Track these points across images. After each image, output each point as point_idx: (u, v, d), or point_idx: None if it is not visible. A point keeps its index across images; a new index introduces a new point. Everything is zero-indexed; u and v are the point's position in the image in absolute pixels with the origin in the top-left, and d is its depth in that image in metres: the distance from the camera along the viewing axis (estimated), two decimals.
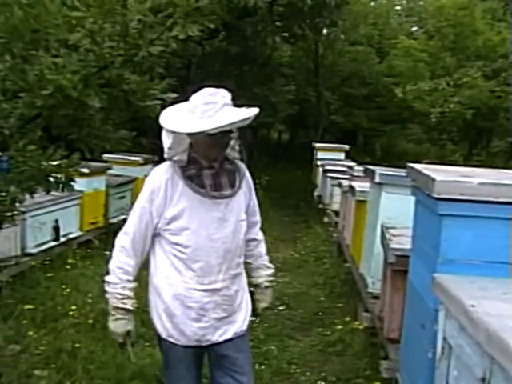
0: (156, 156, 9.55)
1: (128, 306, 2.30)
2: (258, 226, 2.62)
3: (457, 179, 2.28)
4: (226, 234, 2.35)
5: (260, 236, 2.64)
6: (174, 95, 3.49)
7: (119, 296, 2.29)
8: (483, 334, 1.65)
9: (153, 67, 3.43)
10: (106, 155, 7.75)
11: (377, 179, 4.15)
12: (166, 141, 2.27)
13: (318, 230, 8.51)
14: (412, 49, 16.04)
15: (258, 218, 2.59)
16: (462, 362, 1.89)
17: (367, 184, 4.82)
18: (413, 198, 2.83)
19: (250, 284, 2.60)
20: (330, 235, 7.86)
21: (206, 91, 2.23)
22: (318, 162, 11.46)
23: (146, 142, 13.63)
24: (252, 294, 2.60)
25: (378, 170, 4.24)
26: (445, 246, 2.26)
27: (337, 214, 7.75)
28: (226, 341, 2.40)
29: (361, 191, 5.04)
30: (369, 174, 4.52)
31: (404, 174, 3.01)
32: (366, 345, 4.15)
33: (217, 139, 2.23)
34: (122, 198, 7.83)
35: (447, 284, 2.04)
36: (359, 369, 3.88)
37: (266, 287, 2.62)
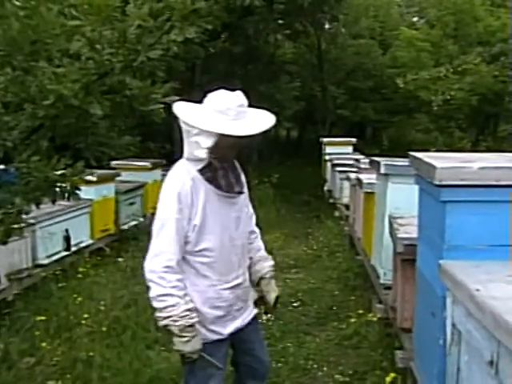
0: (164, 160, 9.62)
1: (194, 320, 2.25)
2: (254, 218, 2.67)
3: (457, 165, 2.28)
4: (241, 231, 2.44)
5: (256, 229, 2.68)
6: (177, 98, 3.50)
7: (186, 313, 2.21)
8: (489, 318, 1.65)
9: (154, 71, 3.45)
10: (113, 162, 7.85)
11: (382, 170, 4.15)
12: (205, 142, 2.21)
13: (330, 224, 8.50)
14: (414, 39, 16.02)
15: (251, 210, 2.64)
16: (471, 347, 1.90)
17: (374, 176, 4.82)
18: (418, 188, 2.83)
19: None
20: (341, 229, 7.86)
21: (228, 93, 2.25)
22: (327, 157, 11.47)
23: (154, 147, 13.72)
24: (259, 292, 2.62)
25: (383, 161, 4.24)
26: (449, 233, 2.26)
27: (347, 207, 7.74)
28: (247, 325, 2.50)
29: (368, 183, 5.04)
30: (374, 166, 4.52)
31: (408, 164, 3.01)
32: (381, 336, 4.15)
33: (242, 141, 2.27)
34: (132, 204, 7.88)
35: (453, 270, 2.04)
36: (375, 360, 3.88)
37: (271, 277, 2.63)
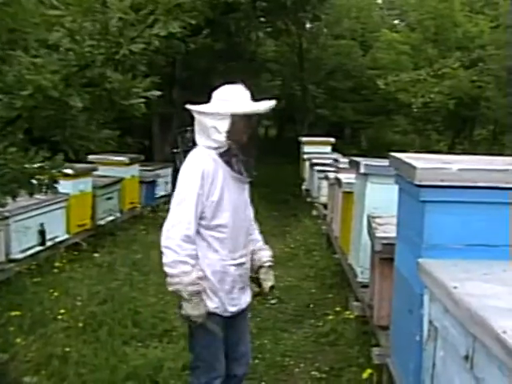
0: (142, 156, 9.53)
1: (201, 287, 2.46)
2: (252, 211, 2.86)
3: (437, 166, 2.31)
4: (248, 215, 2.73)
5: (254, 222, 2.88)
6: (158, 93, 3.49)
7: (197, 281, 2.43)
8: (465, 314, 1.68)
9: (135, 65, 3.41)
10: (91, 156, 7.73)
11: (362, 170, 4.19)
12: (222, 126, 2.47)
13: (307, 223, 8.54)
14: (395, 41, 16.15)
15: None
16: (447, 343, 1.93)
17: (353, 175, 4.85)
18: (397, 188, 2.86)
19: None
20: (318, 228, 7.90)
21: (230, 85, 2.57)
22: (305, 156, 11.49)
23: (132, 142, 13.59)
24: (256, 278, 2.76)
25: (363, 161, 4.28)
26: (428, 232, 2.30)
27: (325, 206, 7.79)
28: (244, 309, 2.71)
29: (347, 183, 5.08)
30: (354, 166, 4.56)
31: (388, 164, 3.04)
32: (358, 333, 4.19)
33: (252, 123, 2.56)
34: (109, 199, 7.79)
35: (431, 268, 2.07)
36: (352, 357, 3.92)
37: (270, 266, 2.78)
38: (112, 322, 4.29)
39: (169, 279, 2.44)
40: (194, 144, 2.76)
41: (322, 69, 18.39)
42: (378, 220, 3.64)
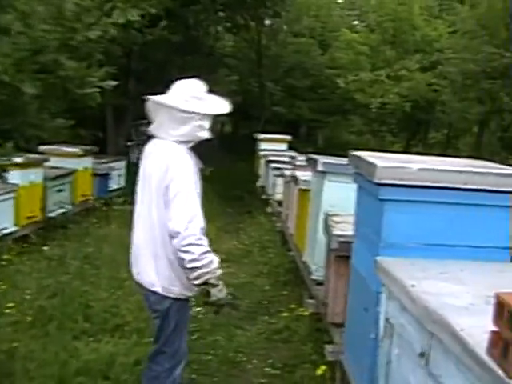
0: (95, 147, 9.29)
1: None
2: None
3: (397, 165, 2.34)
4: None
5: None
6: (114, 83, 3.39)
7: (219, 265, 2.55)
8: (423, 312, 1.70)
9: (91, 53, 3.31)
10: (43, 147, 7.52)
11: (319, 168, 4.20)
12: (207, 124, 2.63)
13: (262, 220, 8.54)
14: (354, 41, 16.35)
15: None
16: (403, 340, 1.95)
17: (310, 173, 4.87)
18: (354, 186, 2.88)
19: None
20: (273, 225, 7.91)
21: (194, 81, 2.66)
22: (261, 153, 11.49)
23: (86, 133, 13.25)
24: None
25: (321, 159, 4.29)
26: (386, 230, 2.32)
27: (280, 203, 7.80)
28: None
29: (304, 180, 5.09)
30: (311, 163, 4.57)
31: (346, 163, 3.06)
32: (312, 330, 4.21)
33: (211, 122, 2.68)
34: (60, 191, 7.59)
35: (389, 266, 2.09)
36: (305, 354, 3.94)
37: None
38: (62, 316, 4.19)
39: (197, 273, 2.49)
40: (149, 137, 2.80)
41: (281, 66, 18.41)
42: (334, 218, 3.66)
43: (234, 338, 4.30)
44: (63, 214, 7.44)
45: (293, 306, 4.80)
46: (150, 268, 2.65)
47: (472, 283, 1.90)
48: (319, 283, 4.12)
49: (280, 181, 8.02)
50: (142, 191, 2.72)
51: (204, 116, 2.61)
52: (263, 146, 12.21)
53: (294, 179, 5.65)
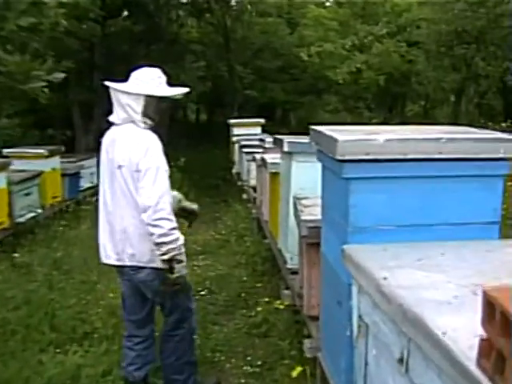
0: (63, 147, 8.92)
1: None
2: None
3: (361, 138, 2.03)
4: None
5: None
6: (62, 75, 3.09)
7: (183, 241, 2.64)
8: (397, 310, 1.41)
9: (27, 43, 2.99)
10: (5, 150, 7.35)
11: (285, 148, 3.89)
12: (137, 106, 2.67)
13: (238, 207, 8.26)
14: (322, 17, 15.96)
15: None
16: (379, 341, 1.67)
17: (279, 155, 4.57)
18: (320, 165, 2.58)
19: None
20: (249, 212, 7.64)
21: (149, 68, 2.79)
22: (234, 139, 11.17)
23: (54, 133, 12.80)
24: None
25: (286, 138, 3.98)
26: (354, 213, 2.02)
27: (255, 189, 7.50)
28: None
29: (272, 163, 4.78)
30: (278, 144, 4.26)
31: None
32: (290, 323, 3.99)
33: (163, 106, 2.76)
34: (27, 194, 7.20)
35: (357, 255, 1.79)
36: (284, 350, 3.73)
37: None
38: (27, 328, 3.95)
39: (165, 248, 2.54)
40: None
41: (249, 48, 17.95)
42: (303, 201, 3.37)
43: (212, 336, 4.08)
44: (33, 218, 7.08)
45: (270, 297, 4.55)
46: (135, 243, 2.70)
47: (455, 269, 1.59)
48: (294, 272, 3.85)
49: (253, 166, 7.70)
50: (110, 176, 2.76)
51: (132, 96, 2.69)
52: (236, 131, 11.86)
53: (264, 163, 5.34)
